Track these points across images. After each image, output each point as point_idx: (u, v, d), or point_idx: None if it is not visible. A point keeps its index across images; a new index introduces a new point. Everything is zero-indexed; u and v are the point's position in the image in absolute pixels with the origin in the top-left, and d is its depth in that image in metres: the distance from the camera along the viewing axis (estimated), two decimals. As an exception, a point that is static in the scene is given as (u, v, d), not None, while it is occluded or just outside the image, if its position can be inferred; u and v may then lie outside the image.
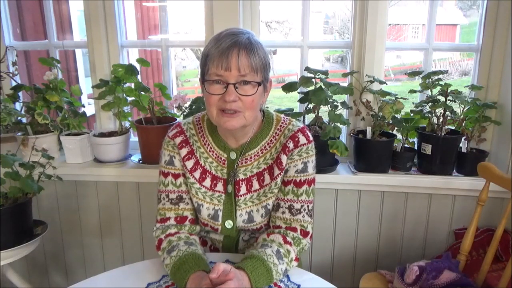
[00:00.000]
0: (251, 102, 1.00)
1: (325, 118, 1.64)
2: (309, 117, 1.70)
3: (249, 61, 0.97)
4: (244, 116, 1.01)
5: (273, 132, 1.11)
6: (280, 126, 1.12)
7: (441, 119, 1.59)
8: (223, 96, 0.98)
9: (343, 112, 1.74)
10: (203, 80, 1.02)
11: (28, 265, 2.00)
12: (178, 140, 1.12)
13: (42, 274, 2.01)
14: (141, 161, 1.77)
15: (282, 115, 1.15)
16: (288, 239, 1.06)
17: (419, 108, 1.67)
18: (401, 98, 1.66)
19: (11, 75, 1.76)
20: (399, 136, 1.70)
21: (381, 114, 1.64)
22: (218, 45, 0.97)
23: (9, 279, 1.58)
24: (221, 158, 1.12)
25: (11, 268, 1.57)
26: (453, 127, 1.67)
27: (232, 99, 0.97)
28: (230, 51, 0.95)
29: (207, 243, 1.26)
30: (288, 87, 1.63)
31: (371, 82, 1.66)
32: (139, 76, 1.76)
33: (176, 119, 1.76)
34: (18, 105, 1.85)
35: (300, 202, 1.08)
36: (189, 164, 1.12)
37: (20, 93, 1.84)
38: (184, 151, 1.12)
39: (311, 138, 1.11)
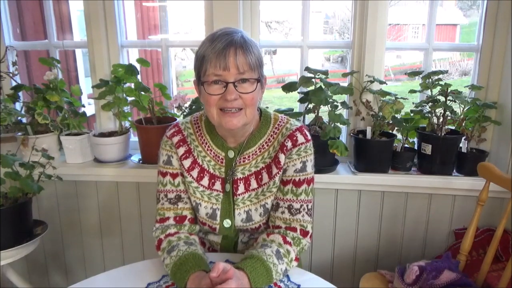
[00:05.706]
0: (251, 99, 1.01)
1: (325, 118, 1.64)
2: (309, 117, 1.70)
3: (247, 59, 0.97)
4: (245, 113, 1.01)
5: (271, 131, 1.11)
6: (278, 125, 1.12)
7: (441, 119, 1.59)
8: (224, 95, 0.98)
9: (343, 112, 1.74)
10: (199, 82, 1.02)
11: (28, 265, 2.00)
12: (175, 139, 1.12)
13: (42, 274, 2.01)
14: (141, 161, 1.77)
15: (280, 114, 1.15)
16: (288, 239, 1.05)
17: (419, 108, 1.67)
18: (401, 98, 1.66)
19: (11, 75, 1.76)
20: (399, 136, 1.70)
21: (381, 114, 1.64)
22: (213, 45, 0.97)
23: (9, 279, 1.58)
24: (219, 157, 1.12)
25: (11, 268, 1.57)
26: (453, 127, 1.67)
27: (233, 98, 0.97)
28: (227, 50, 0.96)
29: (205, 245, 1.25)
30: (288, 87, 1.63)
31: (371, 82, 1.66)
32: (139, 76, 1.76)
33: (176, 119, 1.76)
34: (18, 105, 1.85)
35: (300, 202, 1.08)
36: (187, 163, 1.12)
37: (20, 93, 1.84)
38: (181, 150, 1.12)
39: (309, 136, 1.11)
